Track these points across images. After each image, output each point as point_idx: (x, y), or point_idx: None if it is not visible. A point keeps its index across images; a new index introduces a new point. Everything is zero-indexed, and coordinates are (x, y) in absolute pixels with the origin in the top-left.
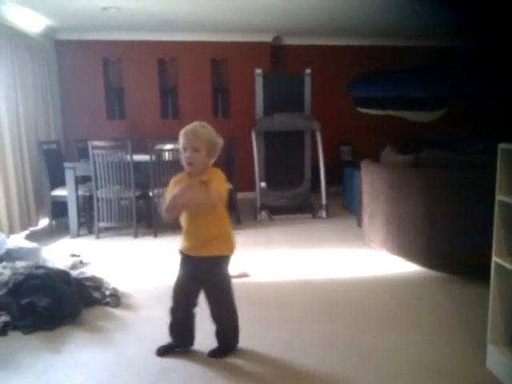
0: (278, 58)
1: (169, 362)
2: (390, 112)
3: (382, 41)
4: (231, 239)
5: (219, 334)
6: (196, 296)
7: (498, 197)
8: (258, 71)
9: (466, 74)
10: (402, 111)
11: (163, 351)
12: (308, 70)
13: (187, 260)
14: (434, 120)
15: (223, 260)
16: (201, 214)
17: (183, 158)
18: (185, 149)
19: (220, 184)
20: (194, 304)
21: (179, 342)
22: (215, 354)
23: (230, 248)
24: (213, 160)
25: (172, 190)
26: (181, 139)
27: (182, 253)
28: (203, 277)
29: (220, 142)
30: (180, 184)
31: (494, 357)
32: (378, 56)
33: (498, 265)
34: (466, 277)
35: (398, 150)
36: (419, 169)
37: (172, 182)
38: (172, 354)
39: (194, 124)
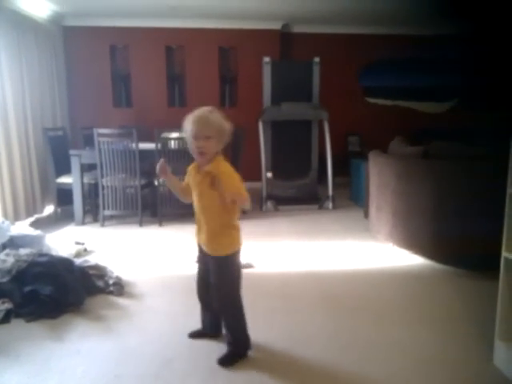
0: (287, 46)
1: (172, 352)
2: (400, 102)
3: (393, 29)
4: (238, 237)
5: (226, 333)
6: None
7: (510, 190)
8: (266, 59)
9: (477, 63)
10: (411, 102)
11: (193, 335)
12: (317, 59)
13: (201, 251)
14: (443, 111)
15: (228, 260)
16: (208, 206)
17: (193, 147)
18: (195, 137)
19: (234, 181)
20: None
21: (205, 328)
22: (221, 361)
23: (235, 246)
24: (222, 146)
25: (187, 176)
26: (190, 127)
27: (198, 243)
28: (213, 272)
29: (229, 127)
30: (192, 175)
31: (502, 353)
32: (389, 45)
33: (507, 260)
34: (474, 271)
35: (407, 141)
36: (428, 160)
37: (188, 170)
38: (203, 337)
39: (202, 110)
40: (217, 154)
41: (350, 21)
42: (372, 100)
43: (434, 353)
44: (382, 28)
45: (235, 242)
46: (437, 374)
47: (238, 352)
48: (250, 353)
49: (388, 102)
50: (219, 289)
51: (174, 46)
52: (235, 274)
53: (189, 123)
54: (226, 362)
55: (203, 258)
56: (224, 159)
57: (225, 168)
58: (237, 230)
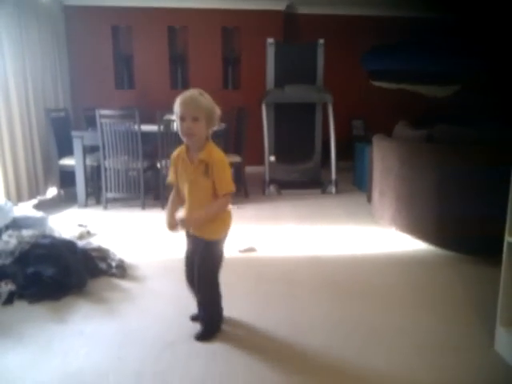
0: (291, 27)
1: (173, 335)
2: (404, 86)
3: (398, 11)
4: (228, 222)
5: (200, 311)
6: None
7: None
8: (270, 41)
9: (483, 47)
10: (416, 85)
11: (195, 318)
12: (321, 41)
13: (189, 235)
14: (448, 95)
15: (217, 243)
16: (201, 195)
17: (181, 128)
18: (183, 118)
19: (225, 175)
20: None
21: (200, 311)
22: (198, 337)
23: (225, 231)
24: (211, 130)
25: (172, 169)
26: (178, 108)
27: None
28: (198, 252)
29: (218, 110)
30: (180, 163)
31: (503, 338)
32: (395, 27)
33: (511, 246)
34: (477, 256)
35: (412, 125)
36: (432, 144)
37: (172, 160)
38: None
39: (192, 91)
40: (207, 140)
41: (354, 2)
42: (377, 83)
43: (435, 339)
44: (389, 10)
45: (225, 226)
46: (438, 359)
47: (212, 328)
48: (253, 338)
49: (393, 86)
50: (200, 268)
51: (176, 27)
52: (217, 256)
53: (177, 104)
54: (203, 337)
55: (192, 248)
56: (215, 145)
57: (218, 155)
58: (228, 215)
